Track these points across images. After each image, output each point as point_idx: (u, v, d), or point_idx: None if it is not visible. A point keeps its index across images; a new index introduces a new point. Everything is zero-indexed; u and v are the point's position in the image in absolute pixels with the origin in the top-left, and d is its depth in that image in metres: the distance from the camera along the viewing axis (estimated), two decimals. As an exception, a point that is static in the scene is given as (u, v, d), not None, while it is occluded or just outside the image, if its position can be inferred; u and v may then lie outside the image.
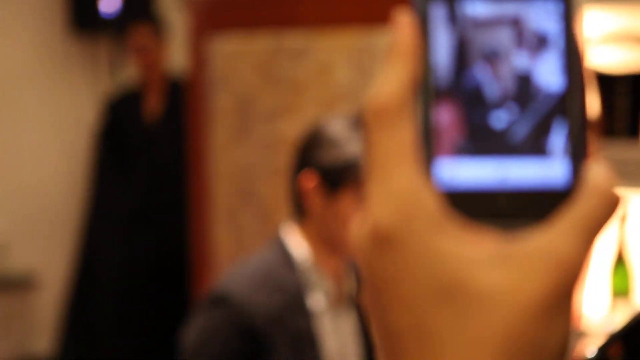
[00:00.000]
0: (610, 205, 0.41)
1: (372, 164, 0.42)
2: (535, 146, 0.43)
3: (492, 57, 0.43)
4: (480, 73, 0.43)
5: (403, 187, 0.41)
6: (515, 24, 0.43)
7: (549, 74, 0.43)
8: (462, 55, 0.44)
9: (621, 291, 2.60)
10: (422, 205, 0.41)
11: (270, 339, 1.72)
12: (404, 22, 0.44)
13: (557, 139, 0.43)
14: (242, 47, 3.85)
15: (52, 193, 3.80)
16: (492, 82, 0.43)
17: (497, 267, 0.40)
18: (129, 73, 3.74)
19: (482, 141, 0.43)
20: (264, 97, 3.86)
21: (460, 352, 0.40)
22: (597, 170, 0.42)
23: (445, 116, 0.43)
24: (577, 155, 0.43)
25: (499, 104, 0.43)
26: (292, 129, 3.89)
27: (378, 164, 0.42)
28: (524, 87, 0.43)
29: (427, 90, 0.44)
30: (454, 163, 0.43)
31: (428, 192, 0.42)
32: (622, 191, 0.42)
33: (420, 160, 0.43)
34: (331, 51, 3.79)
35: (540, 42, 0.43)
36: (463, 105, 0.43)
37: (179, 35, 3.71)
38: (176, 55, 3.74)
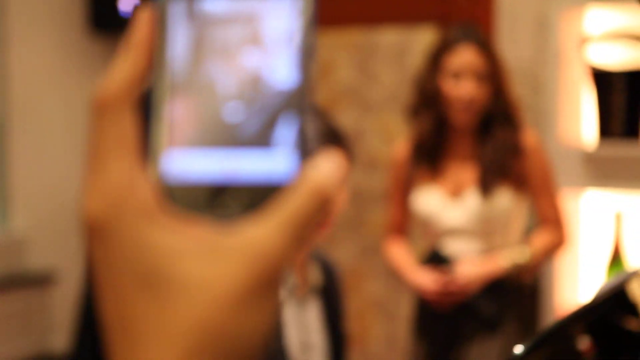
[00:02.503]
0: (318, 202, 0.41)
1: (91, 154, 0.43)
2: (263, 141, 0.43)
3: (226, 53, 0.44)
4: (214, 68, 0.44)
5: (115, 179, 0.41)
6: (251, 20, 0.44)
7: (281, 70, 0.43)
8: (197, 50, 0.44)
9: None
10: (133, 196, 0.41)
11: None
12: (142, 17, 0.44)
13: (285, 134, 0.43)
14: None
15: (71, 191, 3.86)
16: (225, 77, 0.44)
17: (199, 258, 0.40)
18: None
19: (212, 135, 0.43)
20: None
21: (156, 341, 0.40)
22: (315, 166, 0.42)
23: (178, 109, 0.44)
24: (301, 150, 0.43)
25: (230, 99, 0.43)
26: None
27: (96, 153, 0.42)
28: (256, 82, 0.43)
29: (161, 84, 0.44)
30: (183, 155, 0.43)
31: (142, 184, 0.42)
32: (332, 189, 0.42)
33: (144, 152, 0.43)
34: (333, 50, 3.80)
35: (274, 39, 0.43)
36: (196, 99, 0.44)
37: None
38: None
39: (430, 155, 2.49)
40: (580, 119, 2.82)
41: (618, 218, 2.53)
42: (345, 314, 1.99)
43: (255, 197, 0.42)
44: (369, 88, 3.77)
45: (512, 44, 3.40)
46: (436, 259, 2.42)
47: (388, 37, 3.72)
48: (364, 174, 3.80)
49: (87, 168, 0.43)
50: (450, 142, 2.49)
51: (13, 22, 3.80)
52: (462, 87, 2.35)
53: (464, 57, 2.36)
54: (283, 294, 1.79)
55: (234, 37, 0.44)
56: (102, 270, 0.42)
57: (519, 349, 1.26)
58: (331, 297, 1.92)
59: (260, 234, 0.41)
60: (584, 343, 1.41)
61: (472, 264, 2.38)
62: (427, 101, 2.44)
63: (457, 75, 2.36)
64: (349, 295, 3.87)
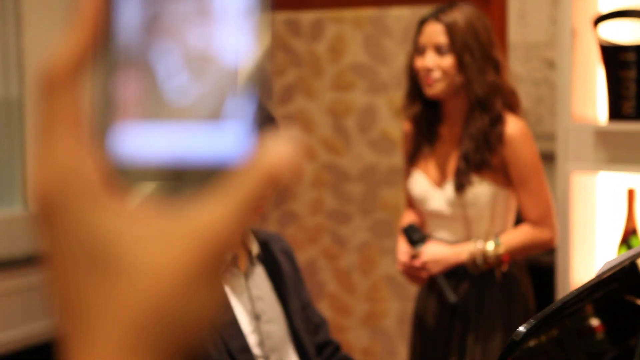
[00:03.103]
0: (269, 186, 0.41)
1: (40, 130, 0.42)
2: (215, 118, 0.42)
3: (176, 29, 0.43)
4: (164, 44, 0.43)
5: (62, 158, 0.41)
6: None
7: (233, 47, 0.42)
8: (147, 26, 0.43)
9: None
10: (79, 177, 0.41)
11: None
12: None
13: (238, 111, 0.42)
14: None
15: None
16: (175, 53, 0.43)
17: (148, 242, 0.40)
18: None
19: (162, 111, 0.42)
20: (281, 73, 3.88)
21: (104, 323, 0.40)
22: (270, 149, 0.42)
23: (127, 86, 0.43)
24: (255, 128, 0.42)
25: (181, 75, 0.42)
26: (308, 105, 3.92)
27: (44, 131, 0.42)
28: (208, 58, 0.42)
29: (110, 60, 0.43)
30: (132, 132, 0.42)
31: (89, 164, 0.41)
32: (285, 174, 0.41)
33: (90, 129, 0.42)
34: (343, 29, 3.80)
35: (226, 14, 0.42)
36: (146, 75, 0.43)
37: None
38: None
39: (423, 138, 2.60)
40: (595, 97, 2.81)
41: (631, 194, 2.52)
42: (300, 281, 2.02)
43: (206, 176, 0.42)
44: (380, 67, 3.77)
45: (524, 22, 3.38)
46: (408, 234, 2.53)
47: (399, 16, 3.72)
48: (374, 152, 3.81)
49: (35, 146, 0.42)
50: (444, 127, 2.57)
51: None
52: (423, 59, 2.50)
53: (426, 33, 2.50)
54: (227, 268, 1.82)
55: (184, 13, 0.43)
56: (49, 251, 0.41)
57: (522, 327, 1.26)
58: (274, 265, 1.95)
59: (210, 218, 0.41)
60: (592, 320, 1.42)
61: (437, 245, 2.49)
62: (408, 79, 2.59)
63: (422, 51, 2.51)
64: (363, 272, 3.90)
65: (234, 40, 0.42)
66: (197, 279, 0.40)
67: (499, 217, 2.51)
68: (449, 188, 2.49)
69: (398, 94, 3.73)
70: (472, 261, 2.45)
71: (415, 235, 2.50)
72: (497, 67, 2.46)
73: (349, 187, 3.87)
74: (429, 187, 2.55)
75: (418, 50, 2.52)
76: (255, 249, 1.92)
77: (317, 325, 2.02)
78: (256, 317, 1.86)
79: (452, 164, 2.51)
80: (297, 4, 3.83)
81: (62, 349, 0.41)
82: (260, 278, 1.91)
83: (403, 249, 2.54)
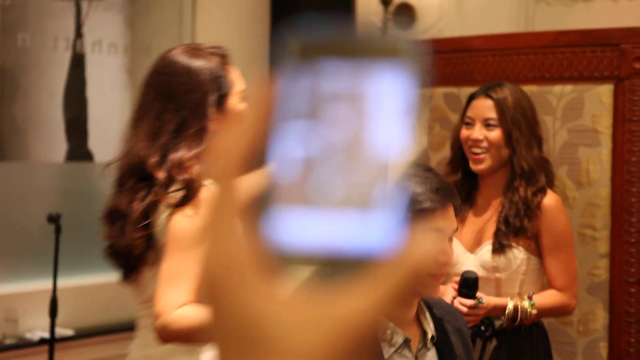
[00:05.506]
0: (414, 280, 0.43)
1: (209, 219, 0.46)
2: (366, 209, 0.44)
3: (334, 121, 0.45)
4: (322, 135, 0.45)
5: (225, 245, 0.45)
6: (360, 97, 0.45)
7: (389, 141, 0.44)
8: (307, 117, 0.45)
9: None
10: (239, 262, 0.44)
11: None
12: (264, 93, 0.46)
13: (388, 204, 0.44)
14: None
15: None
16: (331, 144, 0.45)
17: (296, 326, 0.43)
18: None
19: (315, 199, 0.44)
20: (439, 146, 3.92)
21: None
22: (416, 244, 0.44)
23: (285, 174, 0.45)
24: (403, 221, 0.43)
25: (336, 166, 0.44)
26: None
27: (213, 219, 0.46)
28: (362, 151, 0.44)
29: (267, 150, 0.45)
30: (287, 218, 0.44)
31: (247, 249, 0.45)
32: (429, 269, 0.43)
33: (249, 215, 0.45)
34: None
35: (385, 110, 0.45)
36: (302, 164, 0.45)
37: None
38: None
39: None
40: None
41: None
42: None
43: (355, 265, 0.44)
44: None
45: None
46: (472, 282, 2.53)
47: (560, 93, 3.68)
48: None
49: (206, 230, 0.46)
50: (480, 196, 2.77)
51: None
52: (471, 131, 2.70)
53: (476, 107, 2.72)
54: (389, 351, 1.77)
55: (342, 106, 0.45)
56: (211, 328, 0.45)
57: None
58: (447, 348, 1.87)
59: (356, 307, 0.43)
60: None
61: (491, 297, 2.59)
62: (453, 149, 2.79)
63: (470, 123, 2.72)
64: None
65: (389, 134, 0.44)
66: None
67: (530, 283, 2.65)
68: (485, 251, 2.64)
69: (559, 171, 3.69)
70: (511, 317, 2.57)
71: (477, 286, 2.52)
72: (540, 143, 2.70)
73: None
74: (461, 252, 2.69)
75: (466, 122, 2.72)
76: (430, 330, 1.85)
77: None
78: None
79: (488, 230, 2.68)
80: (459, 80, 3.86)
81: None
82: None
83: (453, 288, 2.54)
